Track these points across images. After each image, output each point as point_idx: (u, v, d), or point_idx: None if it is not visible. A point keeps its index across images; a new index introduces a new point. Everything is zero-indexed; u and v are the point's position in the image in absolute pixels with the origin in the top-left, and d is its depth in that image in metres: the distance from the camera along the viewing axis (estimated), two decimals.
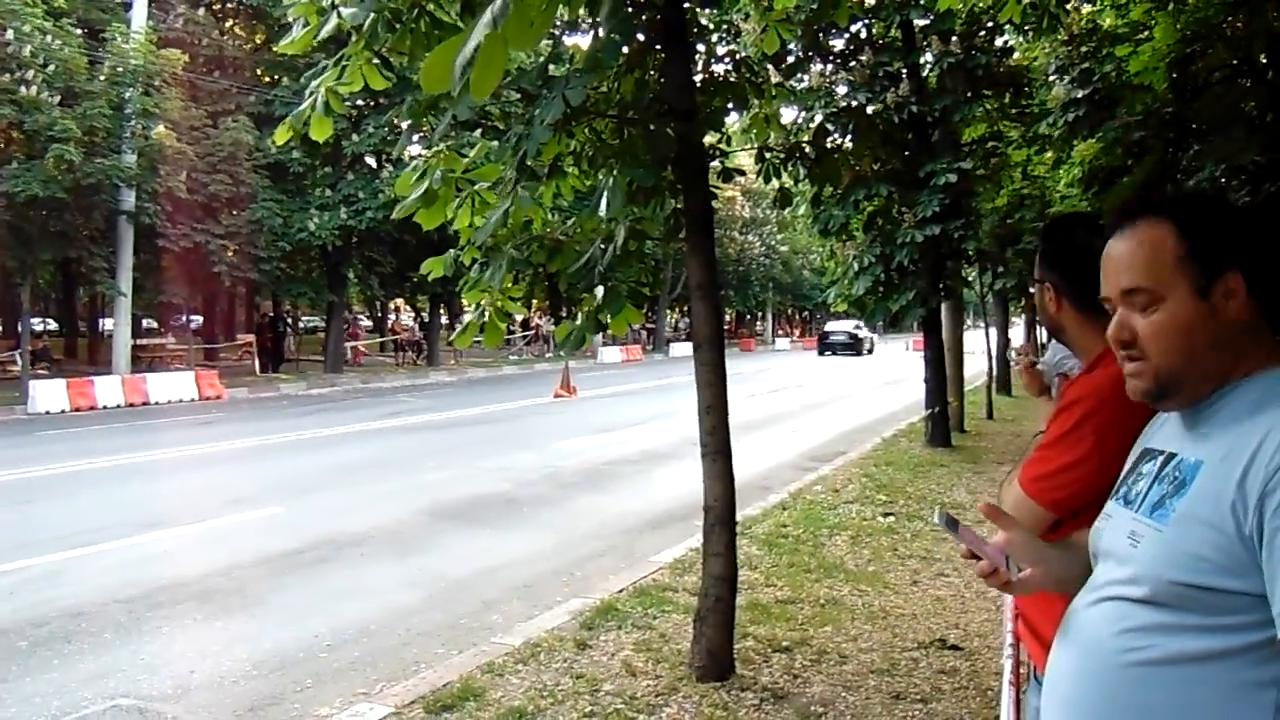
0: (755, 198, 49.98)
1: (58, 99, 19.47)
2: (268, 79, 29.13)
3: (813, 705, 4.49)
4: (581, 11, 5.20)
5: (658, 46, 4.75)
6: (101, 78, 20.67)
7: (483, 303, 5.02)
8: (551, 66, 4.69)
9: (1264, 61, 10.79)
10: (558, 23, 5.24)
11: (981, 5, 12.08)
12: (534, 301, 40.21)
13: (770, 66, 6.17)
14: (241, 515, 9.14)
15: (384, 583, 6.96)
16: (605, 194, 4.60)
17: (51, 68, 19.50)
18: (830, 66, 12.79)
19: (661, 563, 7.09)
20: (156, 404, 20.82)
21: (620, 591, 6.34)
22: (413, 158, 4.98)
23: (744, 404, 18.53)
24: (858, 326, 45.14)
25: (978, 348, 21.90)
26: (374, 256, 30.54)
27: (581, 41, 5.32)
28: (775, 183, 5.66)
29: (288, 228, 25.98)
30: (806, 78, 12.25)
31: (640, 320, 6.29)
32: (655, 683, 4.75)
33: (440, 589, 6.82)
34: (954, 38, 12.01)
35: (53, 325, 40.49)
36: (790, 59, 11.30)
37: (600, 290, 4.68)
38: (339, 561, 7.57)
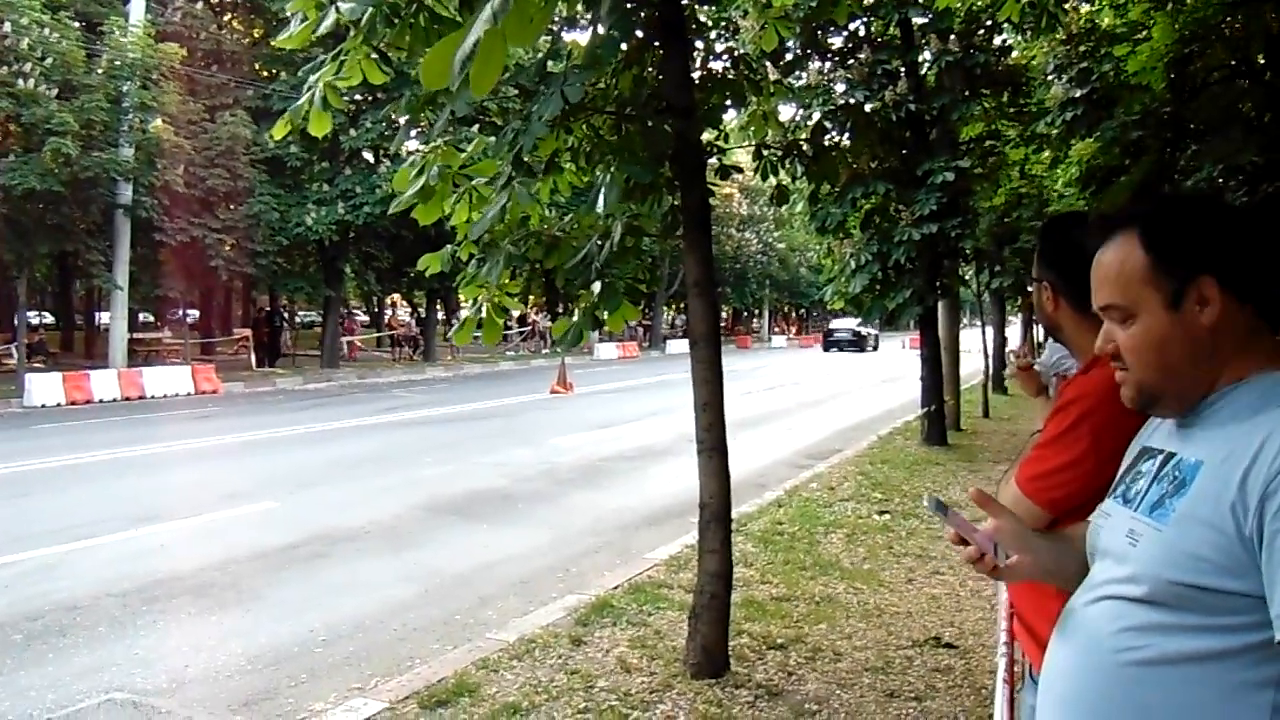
0: (753, 195, 49.97)
1: (55, 92, 19.41)
2: (266, 73, 29.11)
3: (807, 703, 4.50)
4: (580, 8, 5.20)
5: (656, 43, 4.75)
6: (99, 71, 20.63)
7: (480, 298, 5.02)
8: (550, 63, 4.69)
9: (1262, 62, 10.80)
10: (556, 19, 5.24)
11: (980, 4, 12.08)
12: (531, 298, 40.13)
13: (768, 64, 6.16)
14: (237, 510, 9.13)
15: (379, 578, 6.96)
16: (602, 190, 4.61)
17: (49, 61, 19.43)
18: (828, 64, 12.78)
19: (657, 559, 7.09)
20: (152, 398, 20.79)
21: (615, 588, 6.34)
22: (410, 153, 4.97)
23: (740, 401, 18.52)
24: (861, 324, 45.46)
25: (974, 346, 21.90)
26: (371, 252, 30.53)
27: (580, 38, 5.31)
28: (773, 180, 5.66)
29: (285, 222, 25.96)
30: (805, 75, 12.24)
31: (637, 317, 6.29)
32: (650, 679, 4.75)
33: (436, 584, 6.82)
34: (952, 36, 12.01)
35: (49, 319, 40.45)
36: (788, 56, 11.27)
37: (597, 286, 4.68)
38: (334, 556, 7.57)
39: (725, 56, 5.51)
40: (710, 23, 6.43)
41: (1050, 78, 12.27)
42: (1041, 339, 20.99)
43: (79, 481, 10.69)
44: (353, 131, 26.52)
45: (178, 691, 4.92)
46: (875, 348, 47.95)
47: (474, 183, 4.72)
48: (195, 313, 36.03)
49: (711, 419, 4.78)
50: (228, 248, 24.71)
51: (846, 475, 10.67)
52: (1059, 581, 1.63)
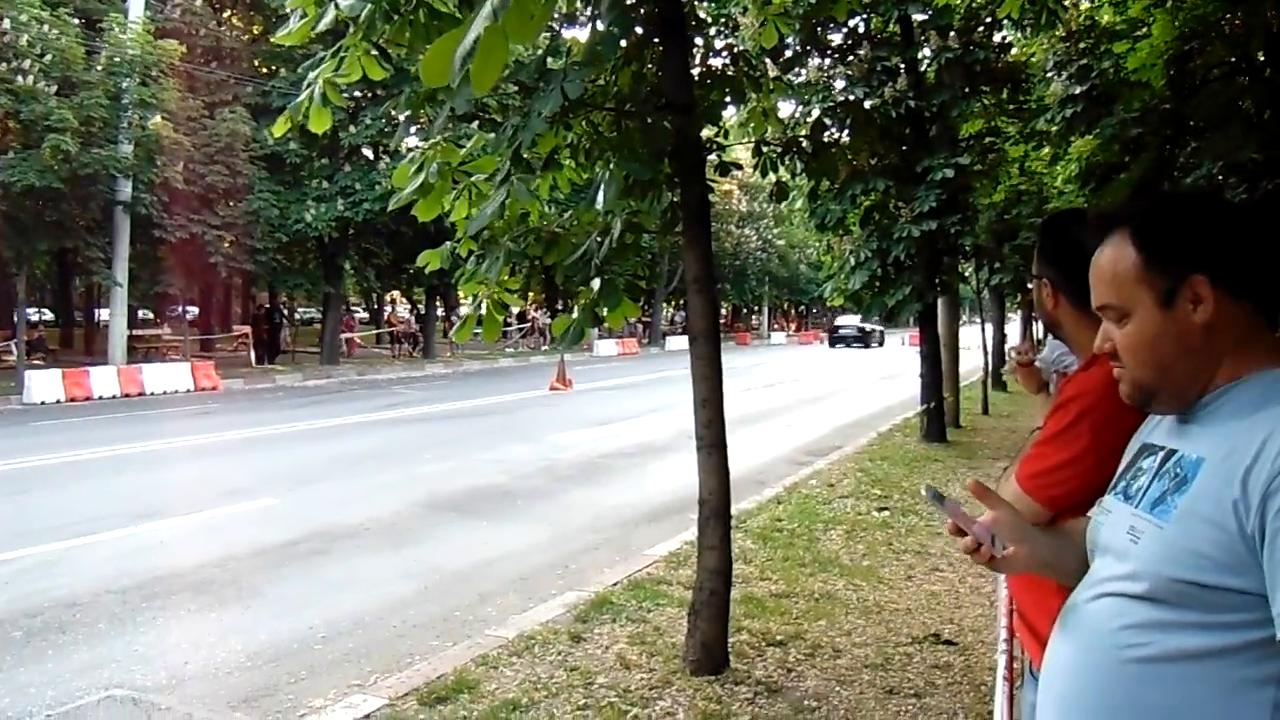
0: (752, 192, 50.01)
1: (54, 89, 19.39)
2: (265, 70, 29.09)
3: (806, 699, 4.50)
4: (580, 4, 5.20)
5: (655, 39, 4.74)
6: (98, 68, 20.61)
7: (480, 295, 5.02)
8: (550, 59, 4.68)
9: (1262, 59, 10.80)
10: (556, 15, 5.23)
11: (980, 0, 12.08)
12: (530, 294, 40.29)
13: (768, 60, 6.17)
14: (237, 506, 9.13)
15: (379, 574, 6.96)
16: (602, 187, 4.60)
17: (48, 57, 19.41)
18: (828, 61, 12.78)
19: (656, 556, 7.09)
20: (152, 395, 20.79)
21: (615, 585, 6.34)
22: (410, 150, 4.96)
23: (739, 398, 18.53)
24: (866, 320, 45.81)
25: (973, 343, 21.91)
26: (370, 248, 30.52)
27: (579, 34, 5.31)
28: (772, 177, 5.67)
29: (284, 219, 25.95)
30: (804, 72, 12.25)
31: (637, 314, 6.29)
32: (649, 676, 4.75)
33: (435, 581, 6.82)
34: (952, 33, 11.99)
35: (49, 315, 40.39)
36: (788, 53, 11.35)
37: (597, 283, 4.67)
38: (334, 553, 7.57)
39: (725, 53, 5.51)
40: (710, 19, 6.44)
41: (1050, 74, 12.27)
42: (1041, 335, 21.03)
43: (79, 478, 10.69)
44: (352, 128, 26.50)
45: (177, 688, 4.92)
46: (881, 344, 48.58)
47: (473, 179, 4.72)
48: (195, 309, 36.07)
49: (711, 415, 4.78)
50: (227, 244, 24.71)
51: (846, 472, 10.67)
52: (1057, 575, 1.63)
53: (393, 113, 24.20)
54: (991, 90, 12.89)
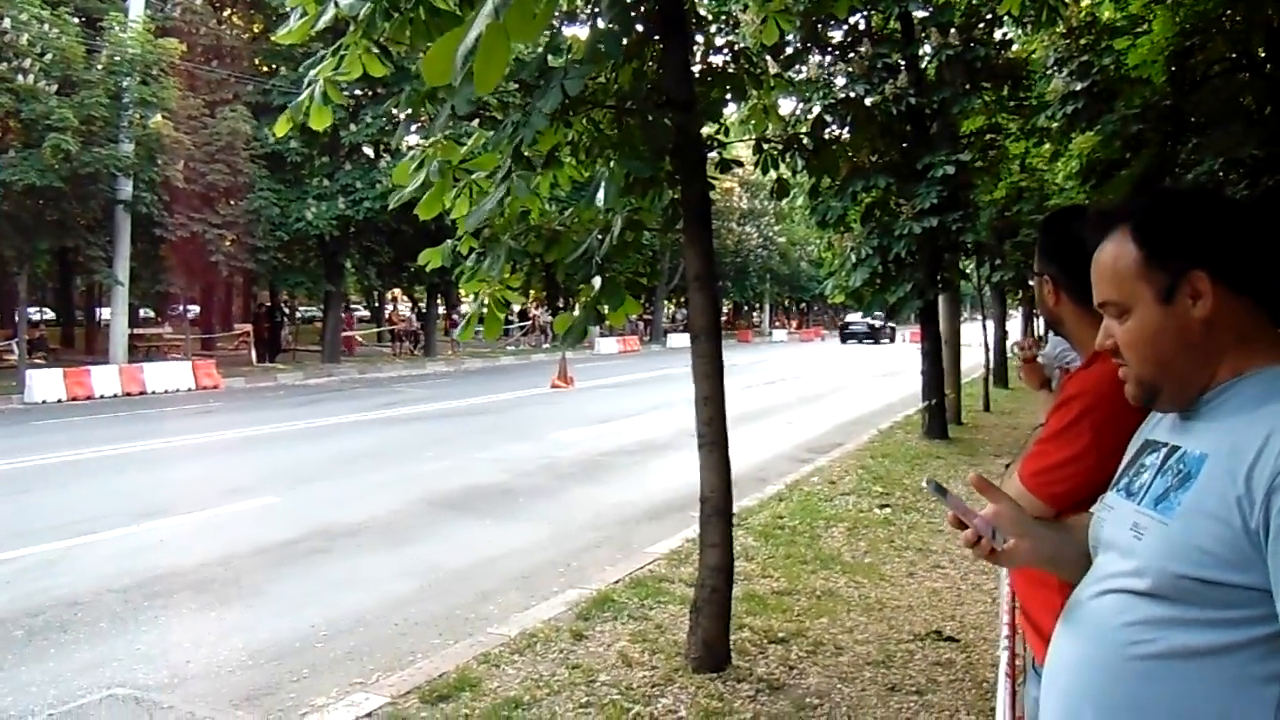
0: (753, 189, 49.99)
1: (55, 88, 19.37)
2: (265, 68, 29.06)
3: (808, 696, 4.50)
4: (580, 2, 5.19)
5: (656, 37, 4.74)
6: (99, 66, 20.59)
7: (481, 293, 5.01)
8: (550, 57, 4.68)
9: (1262, 55, 10.79)
10: (557, 13, 5.23)
11: None
12: (531, 292, 40.28)
13: (769, 57, 6.15)
14: (238, 505, 9.14)
15: (380, 573, 6.97)
16: (603, 184, 4.60)
17: (49, 56, 19.39)
18: (829, 58, 12.78)
19: (658, 554, 7.09)
20: (153, 393, 20.79)
21: (616, 582, 6.35)
22: (410, 148, 4.96)
23: (741, 395, 18.52)
24: (875, 317, 46.20)
25: (975, 340, 21.90)
26: (371, 246, 30.50)
27: (580, 32, 5.30)
28: (773, 174, 5.66)
29: (285, 217, 25.94)
30: (805, 69, 12.25)
31: (638, 311, 6.29)
32: (651, 673, 4.75)
33: (436, 579, 6.83)
34: (953, 30, 12.00)
35: (50, 314, 40.38)
36: (789, 50, 11.32)
37: (598, 281, 4.67)
38: (335, 551, 7.57)
39: (725, 50, 5.51)
40: (710, 17, 6.44)
41: (1051, 71, 12.27)
42: (1042, 332, 21.01)
43: (80, 477, 10.69)
44: (353, 126, 26.48)
45: (179, 687, 4.92)
46: (891, 340, 49.38)
47: (474, 177, 4.72)
48: (196, 308, 36.06)
49: (712, 413, 4.78)
50: (228, 243, 24.71)
51: (847, 469, 10.67)
52: (1058, 570, 1.63)
53: (393, 111, 24.38)
54: (992, 87, 12.89)
